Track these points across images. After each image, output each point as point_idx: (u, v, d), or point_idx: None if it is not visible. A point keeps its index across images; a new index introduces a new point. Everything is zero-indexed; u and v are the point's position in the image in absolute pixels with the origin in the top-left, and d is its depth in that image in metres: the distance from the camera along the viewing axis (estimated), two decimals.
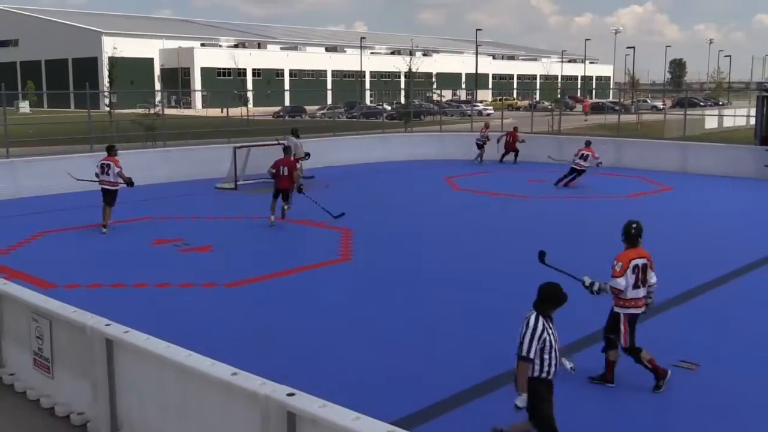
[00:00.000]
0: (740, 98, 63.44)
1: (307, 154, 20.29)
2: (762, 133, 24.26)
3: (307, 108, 58.59)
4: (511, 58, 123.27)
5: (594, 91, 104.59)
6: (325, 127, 30.00)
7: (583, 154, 20.57)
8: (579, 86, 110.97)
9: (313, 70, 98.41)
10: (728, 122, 43.92)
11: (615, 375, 7.34)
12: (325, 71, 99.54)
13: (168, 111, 54.12)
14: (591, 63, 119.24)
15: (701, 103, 64.36)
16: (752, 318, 9.68)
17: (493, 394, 7.12)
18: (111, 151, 14.75)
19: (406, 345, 8.53)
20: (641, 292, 7.18)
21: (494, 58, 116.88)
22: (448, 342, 8.62)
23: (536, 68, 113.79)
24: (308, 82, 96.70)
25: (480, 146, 26.30)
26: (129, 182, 14.47)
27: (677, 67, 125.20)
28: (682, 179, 22.39)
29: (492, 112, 55.68)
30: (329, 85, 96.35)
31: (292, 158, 16.28)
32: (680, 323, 9.47)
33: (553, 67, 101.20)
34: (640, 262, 7.12)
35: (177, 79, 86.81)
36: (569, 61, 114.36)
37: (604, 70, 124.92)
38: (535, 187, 20.81)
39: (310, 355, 8.17)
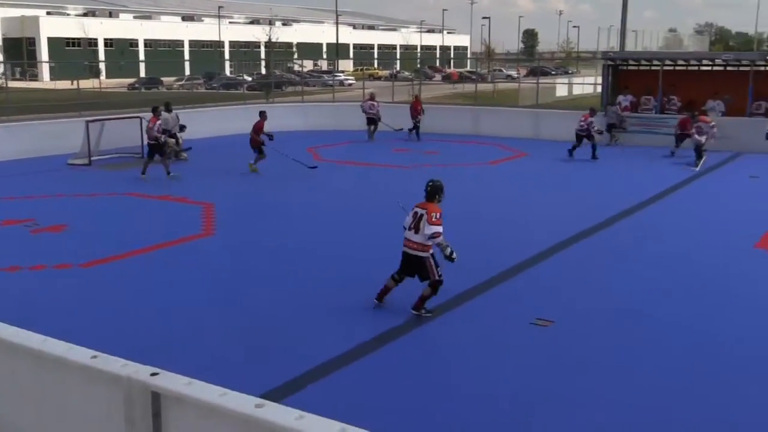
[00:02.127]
0: (588, 67, 66.51)
1: (183, 127, 19.98)
2: (607, 100, 25.62)
3: (164, 79, 56.63)
4: (371, 28, 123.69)
5: (452, 61, 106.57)
6: (183, 98, 29.09)
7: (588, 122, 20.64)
8: (438, 56, 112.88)
9: (169, 40, 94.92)
10: (577, 90, 45.98)
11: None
12: (182, 41, 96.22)
13: (12, 84, 50.91)
14: (449, 33, 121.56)
15: (552, 72, 67.08)
16: (607, 273, 10.28)
17: (356, 363, 7.26)
18: None
19: (271, 318, 8.49)
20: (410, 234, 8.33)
21: (354, 28, 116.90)
22: (314, 312, 8.67)
23: (396, 38, 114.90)
24: (164, 52, 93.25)
25: (373, 121, 24.65)
26: None
27: (530, 37, 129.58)
28: (536, 145, 23.34)
29: (353, 82, 55.79)
30: (186, 56, 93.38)
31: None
32: (539, 281, 9.93)
33: (412, 37, 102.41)
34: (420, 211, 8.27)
35: (21, 49, 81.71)
36: (428, 32, 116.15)
37: (462, 40, 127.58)
38: (400, 156, 21.11)
39: (174, 333, 7.99)
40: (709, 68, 26.94)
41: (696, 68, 26.86)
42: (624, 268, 10.63)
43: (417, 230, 8.16)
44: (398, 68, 64.91)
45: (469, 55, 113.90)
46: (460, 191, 14.78)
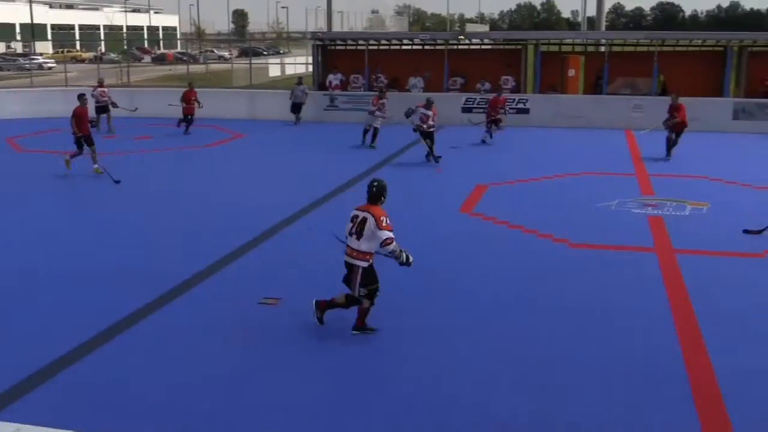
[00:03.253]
0: (299, 47, 67.66)
1: None
2: (319, 79, 26.36)
3: None
4: (70, 6, 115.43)
5: (162, 42, 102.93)
6: None
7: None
8: (146, 37, 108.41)
9: None
10: (290, 70, 46.62)
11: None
12: None
13: None
14: (156, 13, 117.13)
15: (264, 53, 67.34)
16: (324, 250, 10.61)
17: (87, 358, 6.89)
18: None
19: None
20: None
21: (51, 6, 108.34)
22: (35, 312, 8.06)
23: (99, 18, 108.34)
24: None
25: (104, 109, 21.99)
26: None
27: (240, 17, 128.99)
28: (252, 126, 23.41)
29: (54, 65, 51.84)
30: None
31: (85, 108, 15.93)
32: (259, 263, 10.02)
33: (117, 17, 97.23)
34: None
35: None
36: (133, 11, 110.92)
37: (170, 20, 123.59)
38: (109, 144, 20.05)
39: None
40: (410, 47, 28.70)
41: (398, 47, 28.48)
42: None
43: (360, 236, 7.34)
44: (103, 50, 61.34)
45: (178, 36, 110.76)
46: (176, 176, 14.48)
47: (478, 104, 24.05)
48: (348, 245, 7.47)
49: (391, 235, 7.27)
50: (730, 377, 6.65)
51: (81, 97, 16.17)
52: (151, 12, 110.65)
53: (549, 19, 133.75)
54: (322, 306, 7.68)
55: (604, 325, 7.91)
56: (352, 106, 24.89)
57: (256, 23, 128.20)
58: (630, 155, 18.63)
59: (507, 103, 21.60)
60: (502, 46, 28.07)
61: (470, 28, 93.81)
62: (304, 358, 7.10)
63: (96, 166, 15.61)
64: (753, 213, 12.55)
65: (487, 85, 24.91)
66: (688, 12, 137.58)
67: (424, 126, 17.11)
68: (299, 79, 24.91)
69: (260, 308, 8.27)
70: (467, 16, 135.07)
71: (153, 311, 8.19)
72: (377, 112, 19.62)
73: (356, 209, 7.53)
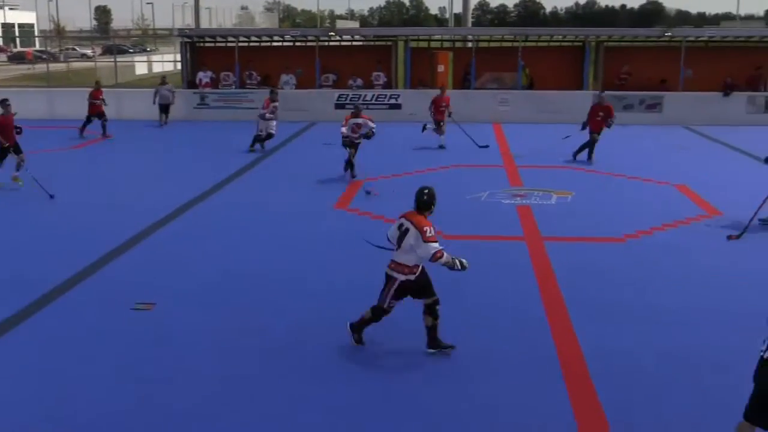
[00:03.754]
0: (167, 44, 65.86)
1: None
2: (188, 77, 25.77)
3: None
4: None
5: (18, 40, 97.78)
6: None
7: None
8: (0, 34, 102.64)
9: None
10: (158, 68, 45.41)
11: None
12: None
13: None
14: (11, 9, 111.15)
15: (130, 50, 65.14)
16: (198, 252, 10.41)
17: None
18: None
19: None
20: None
21: None
22: None
23: None
24: None
25: None
26: None
27: (102, 14, 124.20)
28: (120, 126, 22.57)
29: None
30: None
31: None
32: (131, 266, 9.73)
33: None
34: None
35: None
36: None
37: (26, 16, 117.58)
38: None
39: None
40: (280, 44, 28.52)
41: (269, 44, 28.23)
42: (224, 239, 10.90)
43: (399, 247, 6.88)
44: None
45: (36, 33, 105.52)
46: (43, 180, 13.92)
47: (350, 101, 24.23)
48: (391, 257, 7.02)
49: (437, 247, 6.71)
50: (596, 357, 7.00)
51: (4, 102, 14.31)
52: (6, 8, 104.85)
53: (418, 16, 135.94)
54: (356, 327, 7.20)
55: (478, 312, 8.15)
56: (224, 105, 24.53)
57: (121, 20, 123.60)
58: (498, 148, 19.22)
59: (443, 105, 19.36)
60: (372, 43, 28.33)
61: (340, 24, 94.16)
62: (176, 362, 6.96)
63: (17, 174, 14.39)
64: (612, 201, 13.28)
65: (360, 81, 25.12)
66: (548, 9, 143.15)
67: (354, 136, 15.31)
68: (163, 79, 24.20)
69: (134, 313, 8.05)
70: (337, 12, 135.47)
71: (22, 320, 7.83)
72: (268, 115, 18.49)
73: (402, 217, 6.97)
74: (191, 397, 6.28)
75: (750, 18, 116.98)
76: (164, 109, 23.26)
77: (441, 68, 25.59)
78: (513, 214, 12.44)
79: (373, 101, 24.44)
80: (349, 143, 15.33)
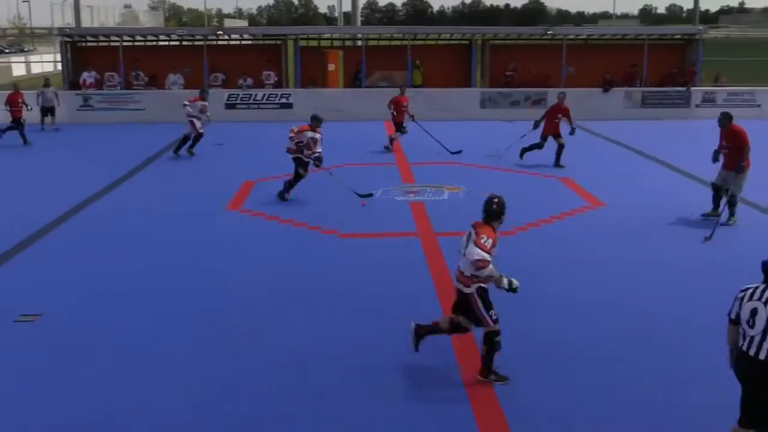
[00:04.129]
0: (46, 44, 63.18)
1: None
2: (69, 78, 24.84)
3: None
4: None
5: None
6: None
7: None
8: None
9: None
10: (37, 68, 43.65)
11: None
12: None
13: None
14: None
15: (6, 51, 62.19)
16: (82, 261, 10.09)
17: None
18: None
19: None
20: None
21: None
22: None
23: None
24: None
25: None
26: None
27: None
28: None
29: None
30: None
31: None
32: (15, 278, 9.35)
33: None
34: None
35: None
36: None
37: None
38: None
39: None
40: (167, 43, 27.84)
41: (155, 43, 27.52)
42: (110, 245, 10.59)
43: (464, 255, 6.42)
44: None
45: None
46: None
47: (241, 100, 23.94)
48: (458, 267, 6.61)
49: (483, 255, 6.22)
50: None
51: None
52: None
53: (307, 15, 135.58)
54: (422, 331, 6.81)
55: (377, 308, 8.23)
56: (108, 106, 23.79)
57: None
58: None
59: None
60: (262, 42, 28.03)
61: (228, 23, 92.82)
62: (65, 371, 6.74)
63: None
64: (502, 195, 13.60)
65: (250, 81, 24.85)
66: (436, 7, 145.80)
67: (309, 152, 12.95)
68: (46, 80, 23.20)
69: (18, 326, 7.73)
70: (225, 11, 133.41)
71: None
72: (196, 116, 17.42)
73: (473, 224, 6.62)
74: (83, 410, 6.09)
75: (626, 17, 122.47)
76: (48, 111, 22.27)
77: (332, 67, 25.62)
78: (406, 210, 12.60)
79: (264, 101, 24.27)
80: (300, 162, 13.05)
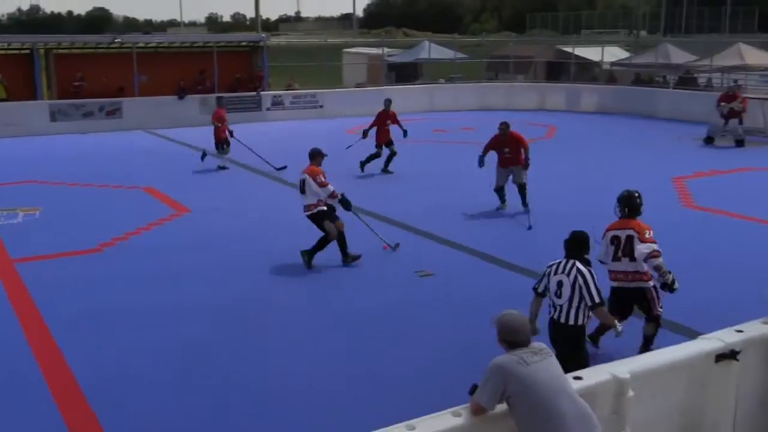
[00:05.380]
0: None
1: None
2: None
3: None
4: None
5: None
6: None
7: None
8: None
9: None
10: None
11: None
12: None
13: None
14: None
15: None
16: None
17: None
18: None
19: None
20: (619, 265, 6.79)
21: None
22: None
23: None
24: None
25: None
26: None
27: None
28: None
29: None
30: None
31: None
32: None
33: None
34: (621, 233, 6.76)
35: None
36: None
37: None
38: None
39: None
40: None
41: None
42: None
43: (632, 257, 6.64)
44: None
45: None
46: None
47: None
48: (622, 271, 6.76)
49: (656, 247, 6.63)
50: (93, 379, 6.75)
51: None
52: None
53: None
54: (593, 336, 6.88)
55: None
56: None
57: None
58: None
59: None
60: None
61: None
62: None
63: None
64: (84, 212, 13.05)
65: None
66: None
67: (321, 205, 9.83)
68: None
69: None
70: None
71: None
72: None
73: (611, 228, 6.85)
74: None
75: (193, 24, 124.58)
76: None
77: None
78: None
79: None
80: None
